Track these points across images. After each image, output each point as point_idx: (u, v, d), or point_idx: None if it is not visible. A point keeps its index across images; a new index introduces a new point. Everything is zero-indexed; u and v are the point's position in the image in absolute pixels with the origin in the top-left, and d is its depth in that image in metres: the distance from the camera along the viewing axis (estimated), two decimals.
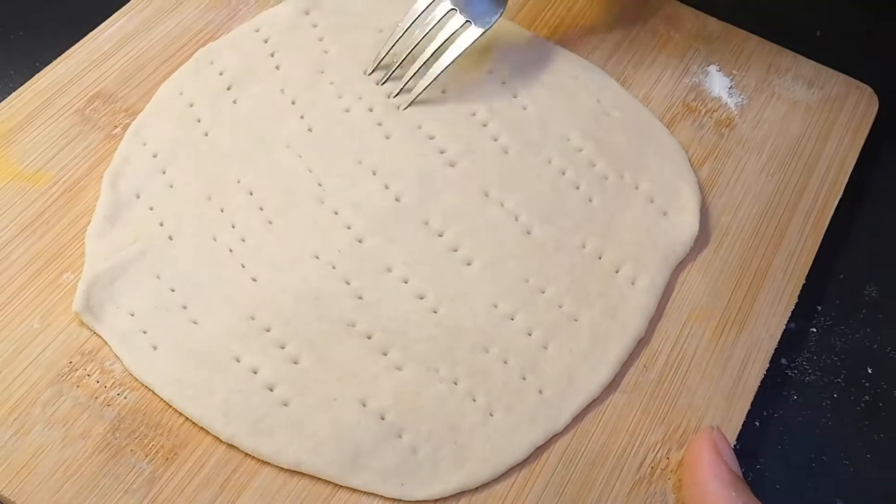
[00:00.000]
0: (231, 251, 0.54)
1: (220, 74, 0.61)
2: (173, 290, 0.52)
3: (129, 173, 0.57)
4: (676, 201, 0.58)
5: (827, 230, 0.59)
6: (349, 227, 0.55)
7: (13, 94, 0.60)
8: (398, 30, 0.61)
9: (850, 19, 0.74)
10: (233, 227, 0.55)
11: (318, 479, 0.48)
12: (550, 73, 0.63)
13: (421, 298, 0.53)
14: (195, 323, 0.51)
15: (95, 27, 0.64)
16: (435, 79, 0.60)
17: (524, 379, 0.51)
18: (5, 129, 0.59)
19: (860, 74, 0.66)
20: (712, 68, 0.66)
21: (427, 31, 0.60)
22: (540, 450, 0.50)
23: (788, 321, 0.55)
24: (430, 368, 0.51)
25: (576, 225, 0.57)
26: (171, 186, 0.57)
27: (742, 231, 0.58)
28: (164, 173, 0.57)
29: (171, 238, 0.54)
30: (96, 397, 0.49)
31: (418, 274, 0.54)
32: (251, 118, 0.60)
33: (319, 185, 0.57)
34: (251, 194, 0.56)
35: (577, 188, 0.58)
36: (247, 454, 0.48)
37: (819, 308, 0.59)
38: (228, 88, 0.61)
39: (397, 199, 0.57)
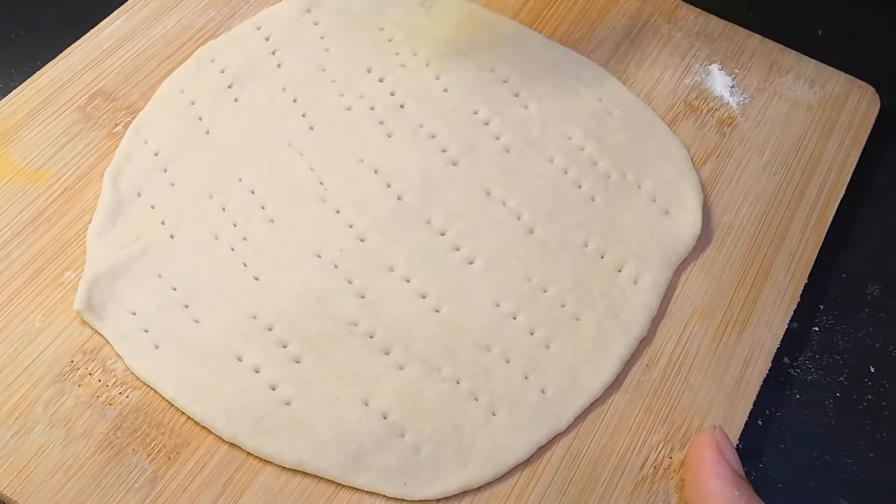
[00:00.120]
0: (233, 250, 0.54)
1: (222, 72, 0.61)
2: (175, 289, 0.52)
3: (130, 171, 0.57)
4: (678, 200, 0.58)
5: (829, 229, 0.59)
6: (351, 226, 0.55)
7: (14, 91, 0.60)
8: None
9: (852, 18, 0.74)
10: (234, 225, 0.55)
11: (321, 478, 0.48)
12: (552, 72, 0.63)
13: (423, 298, 0.53)
14: (197, 322, 0.51)
15: (94, 27, 0.64)
16: None
17: (526, 378, 0.51)
18: (6, 126, 0.59)
19: (862, 74, 0.66)
20: (714, 67, 0.66)
21: None
22: (542, 449, 0.50)
23: (791, 320, 0.55)
24: (433, 368, 0.51)
25: (578, 224, 0.56)
26: (173, 185, 0.56)
27: (744, 230, 0.58)
28: (165, 172, 0.57)
29: (172, 237, 0.54)
30: (98, 396, 0.49)
31: (420, 273, 0.54)
32: (252, 116, 0.60)
33: (321, 183, 0.57)
34: (253, 193, 0.56)
35: (580, 187, 0.58)
36: (249, 454, 0.48)
37: (821, 307, 0.59)
38: (229, 86, 0.61)
39: (399, 199, 0.56)
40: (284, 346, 0.51)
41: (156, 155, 0.57)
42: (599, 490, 0.49)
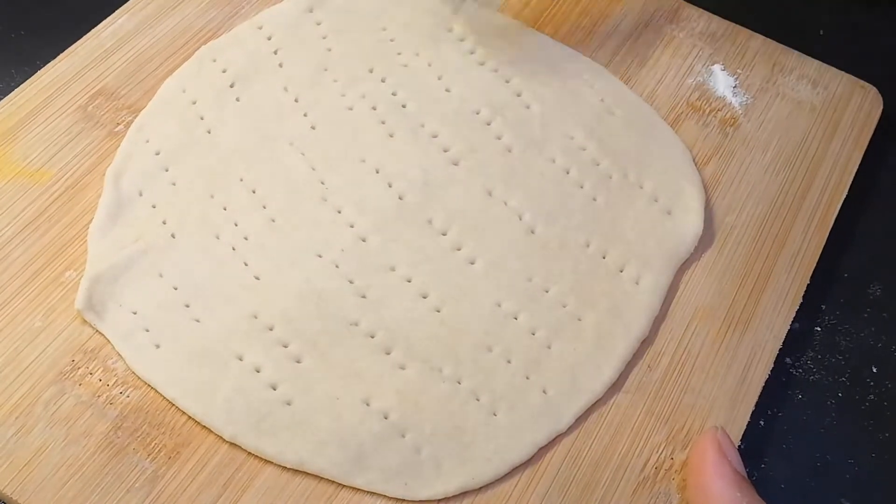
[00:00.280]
0: (234, 249, 0.54)
1: (223, 72, 0.61)
2: (176, 289, 0.52)
3: (131, 171, 0.57)
4: (681, 201, 0.58)
5: (831, 229, 0.59)
6: (352, 226, 0.55)
7: (15, 90, 0.60)
8: None
9: (855, 19, 0.73)
10: (235, 225, 0.55)
11: (321, 478, 0.48)
12: (554, 72, 0.63)
13: (424, 297, 0.53)
14: (198, 321, 0.51)
15: (96, 26, 0.63)
16: None
17: (528, 378, 0.51)
18: (7, 126, 0.59)
19: (864, 74, 0.65)
20: (716, 67, 0.65)
21: None
22: (543, 450, 0.49)
23: (793, 320, 0.55)
24: (434, 368, 0.51)
25: (580, 224, 0.56)
26: (174, 184, 0.56)
27: (746, 230, 0.58)
28: (166, 171, 0.57)
29: (173, 236, 0.54)
30: (98, 396, 0.49)
31: (421, 273, 0.54)
32: (254, 116, 0.59)
33: (322, 183, 0.57)
34: (254, 192, 0.56)
35: (581, 187, 0.58)
36: (249, 453, 0.48)
37: (823, 307, 0.59)
38: (231, 86, 0.61)
39: (400, 198, 0.56)
40: (285, 346, 0.51)
41: (157, 154, 0.57)
42: (601, 491, 0.49)
